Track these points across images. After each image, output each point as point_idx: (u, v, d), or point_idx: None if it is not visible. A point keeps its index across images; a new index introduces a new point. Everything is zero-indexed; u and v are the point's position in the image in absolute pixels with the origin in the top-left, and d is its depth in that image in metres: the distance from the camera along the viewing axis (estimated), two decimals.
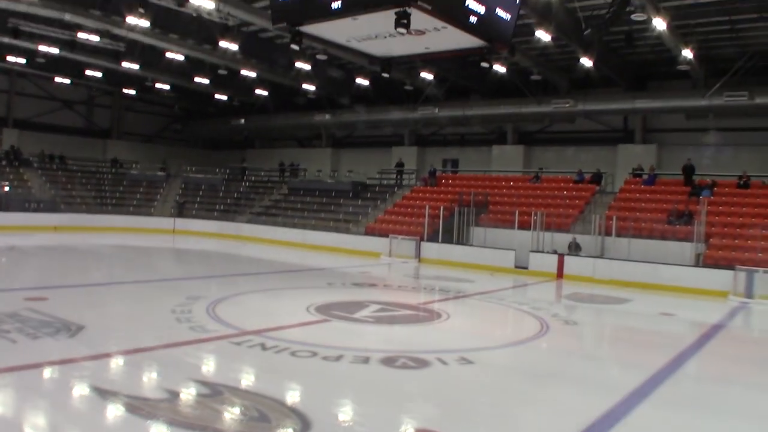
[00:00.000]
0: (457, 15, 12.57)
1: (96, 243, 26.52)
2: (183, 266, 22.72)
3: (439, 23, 12.82)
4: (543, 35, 21.36)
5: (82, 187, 37.21)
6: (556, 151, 33.69)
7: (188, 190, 39.35)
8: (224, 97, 40.30)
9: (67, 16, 24.18)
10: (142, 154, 44.21)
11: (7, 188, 32.92)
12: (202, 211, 37.07)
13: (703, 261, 20.36)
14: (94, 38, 27.20)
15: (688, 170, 25.44)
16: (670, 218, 22.72)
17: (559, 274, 21.77)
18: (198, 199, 38.53)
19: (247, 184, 40.17)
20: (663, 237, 21.93)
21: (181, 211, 36.30)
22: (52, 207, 33.25)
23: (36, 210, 32.23)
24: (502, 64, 26.92)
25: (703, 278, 19.34)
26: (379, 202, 32.18)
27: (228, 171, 42.06)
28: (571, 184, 28.28)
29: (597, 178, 27.83)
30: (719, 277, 18.93)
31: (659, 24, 19.42)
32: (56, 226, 31.03)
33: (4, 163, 35.50)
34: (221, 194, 39.14)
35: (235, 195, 38.56)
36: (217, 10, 22.41)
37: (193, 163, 42.90)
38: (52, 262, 20.64)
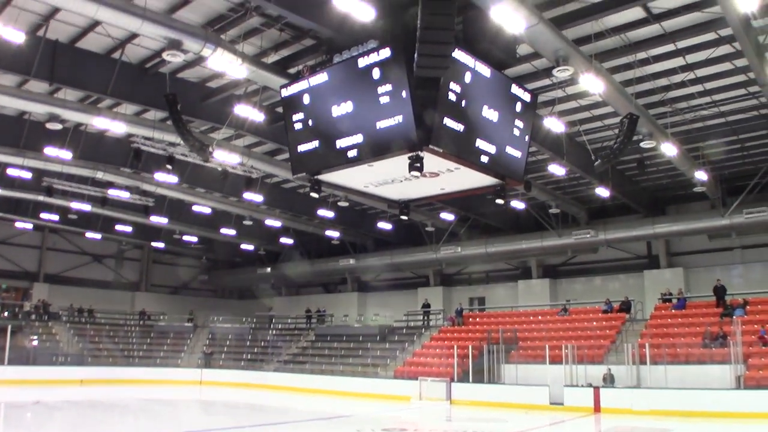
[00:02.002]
0: (468, 156, 13.08)
1: (122, 396, 26.21)
2: (209, 417, 22.26)
3: (452, 164, 13.33)
4: (556, 169, 21.94)
5: (110, 340, 37.28)
6: (582, 283, 33.50)
7: (215, 340, 39.22)
8: (250, 247, 41.12)
9: (99, 174, 25.44)
10: (170, 305, 44.58)
11: (35, 342, 33.17)
12: (229, 361, 36.74)
13: (744, 383, 19.56)
14: (125, 194, 28.37)
15: (720, 291, 25.05)
16: (704, 341, 22.13)
17: (596, 408, 20.96)
18: (225, 349, 38.29)
19: (274, 332, 39.95)
20: (700, 361, 21.26)
21: (208, 362, 36.01)
22: (79, 360, 33.35)
23: (63, 363, 32.29)
24: (521, 200, 27.42)
25: (746, 401, 18.56)
26: (407, 344, 31.74)
27: (255, 320, 42.02)
28: (600, 315, 27.86)
29: (626, 306, 27.42)
30: (763, 399, 18.12)
31: (669, 149, 19.81)
32: (82, 380, 30.90)
33: (33, 317, 35.98)
34: (248, 343, 38.91)
35: (262, 343, 38.27)
36: (241, 164, 23.47)
37: (219, 313, 42.99)
38: (75, 417, 20.36)
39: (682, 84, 18.37)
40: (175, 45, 13.66)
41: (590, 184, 25.76)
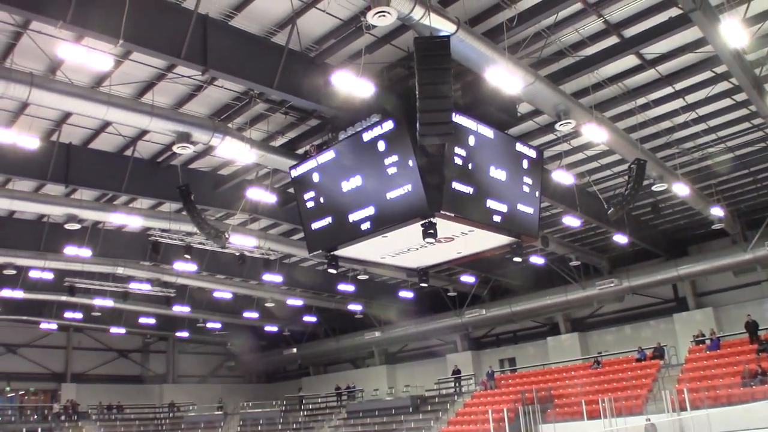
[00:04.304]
0: (480, 217, 13.13)
1: None
2: None
3: (466, 227, 13.37)
4: (571, 221, 21.88)
5: None
6: (612, 333, 32.85)
7: (246, 426, 38.58)
8: (274, 329, 40.90)
9: (120, 269, 25.68)
10: (198, 395, 44.03)
11: None
12: None
13: None
14: (146, 287, 28.60)
15: (752, 326, 24.52)
16: (744, 380, 21.55)
17: None
18: None
19: (305, 413, 39.35)
20: (742, 401, 20.60)
21: None
22: None
23: None
24: (540, 255, 27.25)
25: None
26: (440, 413, 31.10)
27: (285, 402, 41.49)
28: (633, 364, 27.29)
29: (659, 352, 26.90)
30: None
31: (681, 190, 19.73)
32: None
33: (62, 418, 35.64)
34: (280, 426, 38.23)
35: (294, 425, 37.63)
36: (258, 247, 23.62)
37: (249, 398, 42.60)
38: None
39: (686, 124, 18.48)
40: (184, 138, 14.01)
41: (607, 232, 25.60)
